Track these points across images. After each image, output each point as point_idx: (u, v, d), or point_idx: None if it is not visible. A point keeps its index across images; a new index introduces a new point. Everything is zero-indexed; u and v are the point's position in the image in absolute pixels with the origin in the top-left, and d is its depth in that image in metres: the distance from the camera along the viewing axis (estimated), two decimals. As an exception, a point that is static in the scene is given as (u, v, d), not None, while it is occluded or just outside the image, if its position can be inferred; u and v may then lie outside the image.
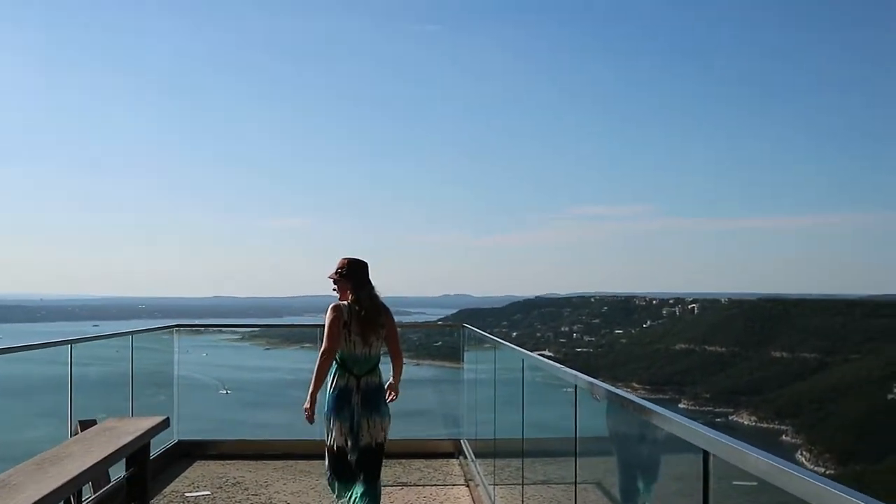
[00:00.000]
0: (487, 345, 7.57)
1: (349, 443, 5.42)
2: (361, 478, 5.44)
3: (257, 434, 9.14)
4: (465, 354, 8.92)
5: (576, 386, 3.59)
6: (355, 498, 5.46)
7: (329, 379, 5.44)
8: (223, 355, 11.16)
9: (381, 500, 5.67)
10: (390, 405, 5.62)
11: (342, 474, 5.48)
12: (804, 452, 59.38)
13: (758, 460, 2.13)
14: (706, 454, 2.52)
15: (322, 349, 5.40)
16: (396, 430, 6.48)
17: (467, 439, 8.38)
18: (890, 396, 63.85)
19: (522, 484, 4.95)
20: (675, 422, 2.84)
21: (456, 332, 9.43)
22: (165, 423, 5.83)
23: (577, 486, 3.63)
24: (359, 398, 5.41)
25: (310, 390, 5.42)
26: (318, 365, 5.39)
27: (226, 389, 9.97)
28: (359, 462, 5.42)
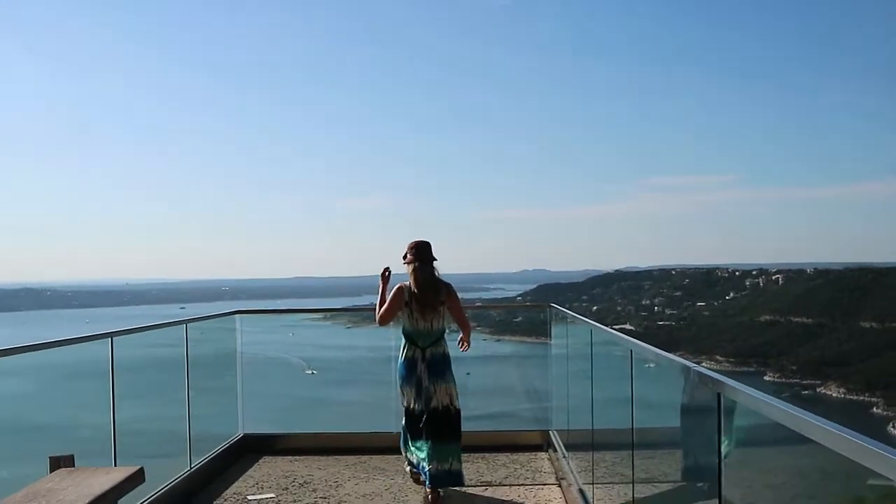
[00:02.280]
0: (578, 324, 6.86)
1: (417, 406, 6.20)
2: (431, 440, 6.08)
3: (340, 416, 9.16)
4: (553, 335, 8.25)
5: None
6: (423, 457, 6.15)
7: (400, 351, 6.32)
8: (308, 335, 11.33)
9: (464, 500, 6.28)
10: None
11: (411, 433, 6.27)
12: (896, 425, 57.85)
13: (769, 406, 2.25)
14: (718, 395, 2.63)
15: (377, 316, 6.37)
16: (479, 415, 6.62)
17: (557, 430, 7.77)
18: None
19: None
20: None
21: (542, 312, 8.62)
22: (139, 476, 4.74)
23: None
24: (424, 367, 6.18)
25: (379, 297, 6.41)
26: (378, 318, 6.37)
27: (311, 370, 10.01)
28: (429, 423, 6.11)
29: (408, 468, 6.53)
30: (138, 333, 6.36)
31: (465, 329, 6.53)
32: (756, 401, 2.38)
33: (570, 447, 6.99)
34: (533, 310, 10.22)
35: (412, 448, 6.32)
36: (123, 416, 5.71)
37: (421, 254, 6.27)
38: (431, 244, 6.34)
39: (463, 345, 6.51)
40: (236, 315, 8.44)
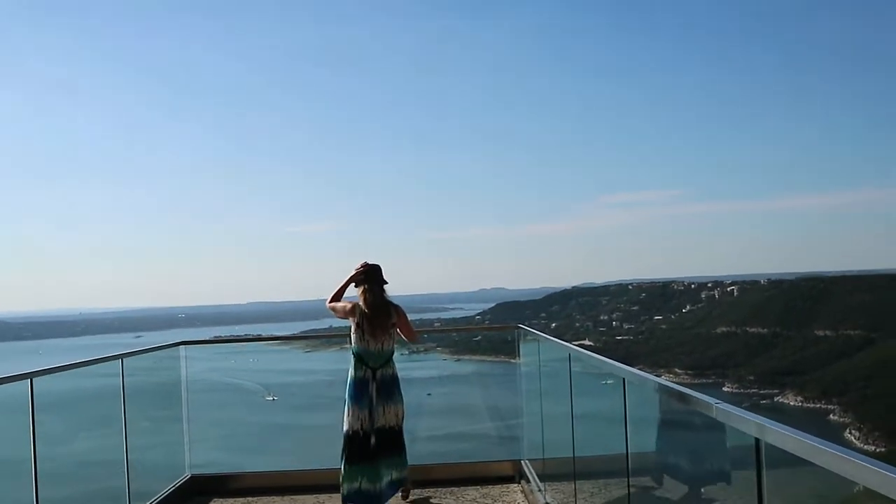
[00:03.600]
0: (552, 346, 6.51)
1: (365, 426, 6.13)
2: (379, 458, 6.10)
3: (300, 443, 8.97)
4: (522, 354, 7.85)
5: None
6: (369, 480, 6.08)
7: (349, 371, 6.25)
8: (268, 360, 11.16)
9: None
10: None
11: (354, 458, 6.11)
12: (853, 431, 58.61)
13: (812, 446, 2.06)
14: (758, 441, 2.47)
15: (327, 300, 6.49)
16: (442, 435, 6.49)
17: (530, 460, 7.25)
18: (939, 370, 62.85)
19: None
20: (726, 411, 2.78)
21: (509, 334, 8.23)
22: None
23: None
24: (374, 387, 6.16)
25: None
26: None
27: (272, 396, 9.81)
28: (378, 443, 6.10)
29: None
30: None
31: (410, 335, 6.55)
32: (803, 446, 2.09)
33: (545, 478, 6.61)
34: (501, 331, 9.96)
35: (354, 479, 6.13)
36: (53, 454, 5.30)
37: (372, 276, 6.34)
38: (381, 267, 6.40)
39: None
40: (181, 346, 7.82)
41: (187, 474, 7.52)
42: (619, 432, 3.83)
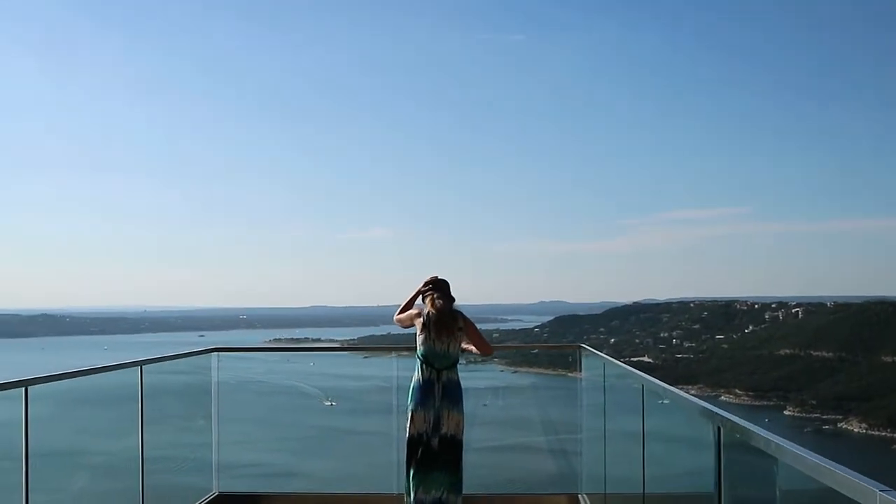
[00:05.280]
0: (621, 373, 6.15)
1: (430, 430, 6.04)
2: (437, 469, 5.98)
3: (350, 445, 9.00)
4: (584, 369, 7.49)
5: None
6: (438, 487, 5.97)
7: (413, 376, 6.23)
8: (325, 365, 11.30)
9: None
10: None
11: (420, 464, 6.02)
12: (918, 461, 57.09)
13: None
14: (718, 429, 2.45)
15: (395, 317, 6.53)
16: (494, 447, 6.41)
17: (588, 494, 6.85)
18: None
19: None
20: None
21: (570, 354, 7.87)
22: None
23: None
24: (440, 388, 6.10)
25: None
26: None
27: (330, 401, 9.85)
28: (440, 450, 6.00)
29: None
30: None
31: (484, 348, 6.55)
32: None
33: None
34: (563, 350, 9.74)
35: (419, 487, 6.04)
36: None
37: (439, 287, 6.44)
38: (449, 283, 6.48)
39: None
40: (213, 353, 7.54)
41: (214, 492, 7.27)
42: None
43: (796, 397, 73.33)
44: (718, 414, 3.25)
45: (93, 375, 5.69)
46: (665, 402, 4.09)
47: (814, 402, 71.78)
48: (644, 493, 4.72)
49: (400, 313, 6.52)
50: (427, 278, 6.49)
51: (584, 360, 7.58)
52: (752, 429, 2.86)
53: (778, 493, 2.80)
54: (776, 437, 2.61)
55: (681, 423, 4.25)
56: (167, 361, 6.79)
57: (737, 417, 3.11)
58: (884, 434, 63.89)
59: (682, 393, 4.07)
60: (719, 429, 3.21)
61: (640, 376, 5.10)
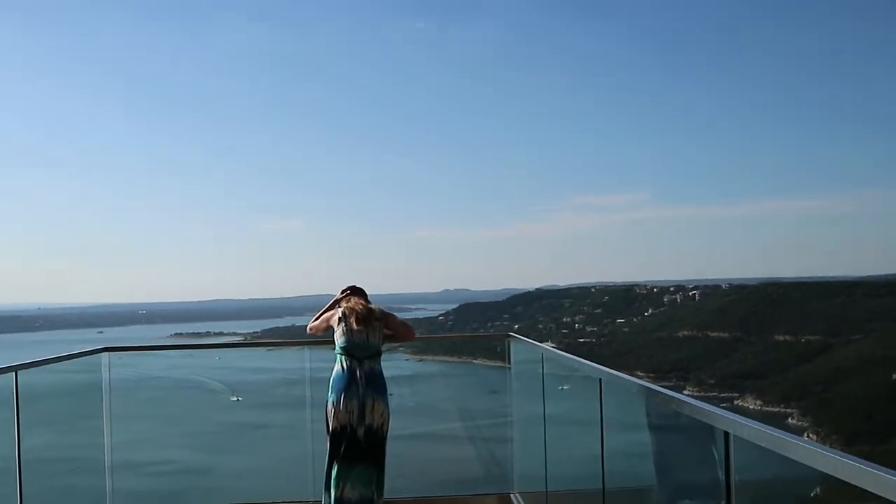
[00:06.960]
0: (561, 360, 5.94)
1: (355, 420, 5.72)
2: (370, 461, 5.73)
3: (259, 439, 8.82)
4: (513, 362, 7.31)
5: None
6: (367, 484, 5.72)
7: (334, 366, 5.92)
8: (230, 359, 11.08)
9: None
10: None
11: (345, 458, 5.72)
12: (811, 434, 59.31)
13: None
14: (727, 434, 2.51)
15: (308, 325, 6.35)
16: (406, 435, 6.30)
17: (520, 493, 6.67)
18: (895, 376, 63.86)
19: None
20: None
21: (499, 344, 7.74)
22: None
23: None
24: (363, 376, 5.79)
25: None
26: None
27: (236, 396, 9.59)
28: (366, 440, 5.72)
29: None
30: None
31: (406, 333, 6.37)
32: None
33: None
34: (493, 340, 9.85)
35: (339, 484, 5.76)
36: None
37: (356, 291, 6.33)
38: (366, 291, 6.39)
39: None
40: (103, 353, 6.94)
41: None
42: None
43: (696, 377, 75.40)
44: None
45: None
46: (565, 387, 4.05)
47: (712, 381, 73.93)
48: (604, 487, 4.54)
49: (314, 321, 6.35)
50: (343, 287, 6.37)
51: (513, 348, 7.43)
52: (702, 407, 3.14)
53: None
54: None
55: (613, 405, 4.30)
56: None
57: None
58: (777, 410, 66.24)
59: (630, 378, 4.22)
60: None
61: (579, 362, 5.12)
